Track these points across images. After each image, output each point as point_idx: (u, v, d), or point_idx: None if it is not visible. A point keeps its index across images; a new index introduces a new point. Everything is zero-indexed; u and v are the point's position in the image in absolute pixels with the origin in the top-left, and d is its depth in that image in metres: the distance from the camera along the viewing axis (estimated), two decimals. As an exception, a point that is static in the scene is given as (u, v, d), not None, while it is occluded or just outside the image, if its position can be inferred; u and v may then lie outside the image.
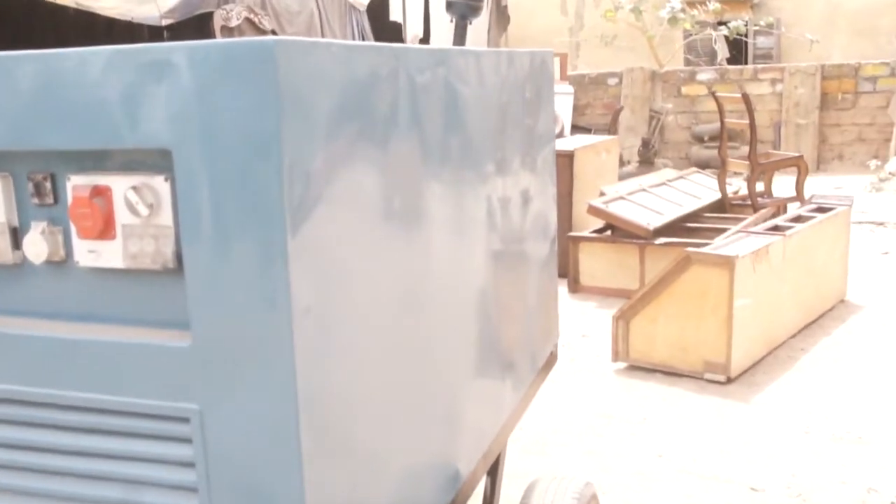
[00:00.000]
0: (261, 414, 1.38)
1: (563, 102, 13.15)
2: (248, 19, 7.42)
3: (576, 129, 13.27)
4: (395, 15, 10.39)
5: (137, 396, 1.43)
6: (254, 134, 1.29)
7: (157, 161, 1.38)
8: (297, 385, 1.34)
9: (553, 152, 3.17)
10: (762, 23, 14.80)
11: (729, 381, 4.68)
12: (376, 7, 10.10)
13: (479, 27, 12.29)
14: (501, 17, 13.40)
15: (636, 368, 4.99)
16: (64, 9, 5.84)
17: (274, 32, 7.87)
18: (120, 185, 1.41)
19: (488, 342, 2.47)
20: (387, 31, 10.09)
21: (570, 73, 13.81)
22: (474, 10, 2.66)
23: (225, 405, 1.40)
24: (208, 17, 6.99)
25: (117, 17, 6.17)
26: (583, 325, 5.95)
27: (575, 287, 6.75)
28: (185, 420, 1.41)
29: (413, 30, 10.58)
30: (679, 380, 4.78)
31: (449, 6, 2.67)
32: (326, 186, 1.39)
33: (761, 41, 16.51)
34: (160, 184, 1.39)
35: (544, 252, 3.09)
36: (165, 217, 1.40)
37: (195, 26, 6.87)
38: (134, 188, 1.39)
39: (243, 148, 1.30)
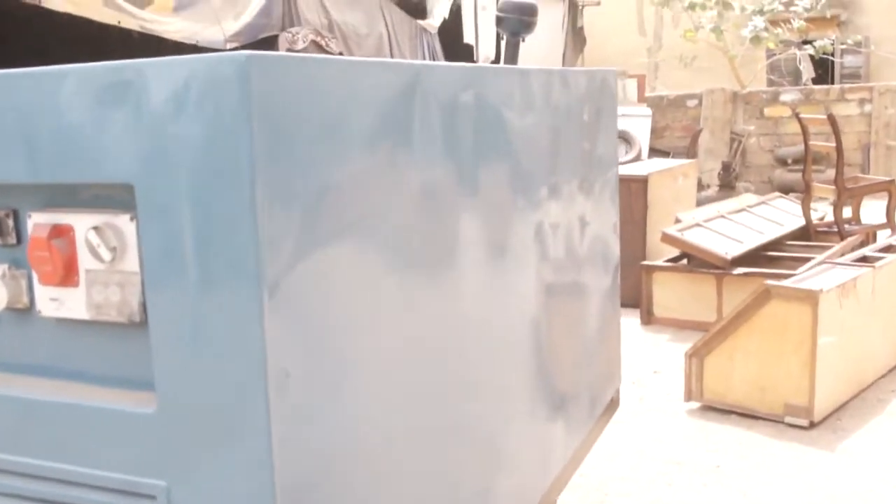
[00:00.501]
0: (234, 494, 1.17)
1: (640, 125, 12.83)
2: (314, 42, 7.33)
3: (654, 152, 12.90)
4: (467, 37, 10.23)
5: (100, 468, 1.24)
6: (224, 165, 1.09)
7: (122, 197, 1.19)
8: (275, 461, 1.13)
9: (616, 177, 2.92)
10: (849, 41, 14.23)
11: (812, 425, 4.32)
12: (449, 29, 9.96)
13: (554, 48, 12.08)
14: (577, 38, 13.15)
15: (710, 409, 4.65)
16: (129, 33, 5.80)
17: (341, 55, 7.78)
18: (83, 225, 1.22)
19: (537, 388, 2.24)
20: (459, 53, 9.93)
21: (647, 94, 13.47)
22: (527, 27, 2.44)
23: (195, 482, 1.19)
24: (274, 40, 6.92)
25: (182, 40, 6.13)
26: (655, 359, 5.63)
27: (648, 319, 6.42)
28: (152, 497, 1.22)
29: (485, 52, 10.41)
30: (757, 423, 4.44)
31: (499, 22, 2.46)
32: (315, 226, 1.19)
33: (849, 60, 15.90)
34: (125, 224, 1.20)
35: (604, 286, 2.84)
36: (131, 262, 1.21)
37: (261, 50, 6.81)
38: (95, 229, 1.20)
39: (213, 182, 1.10)
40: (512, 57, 2.45)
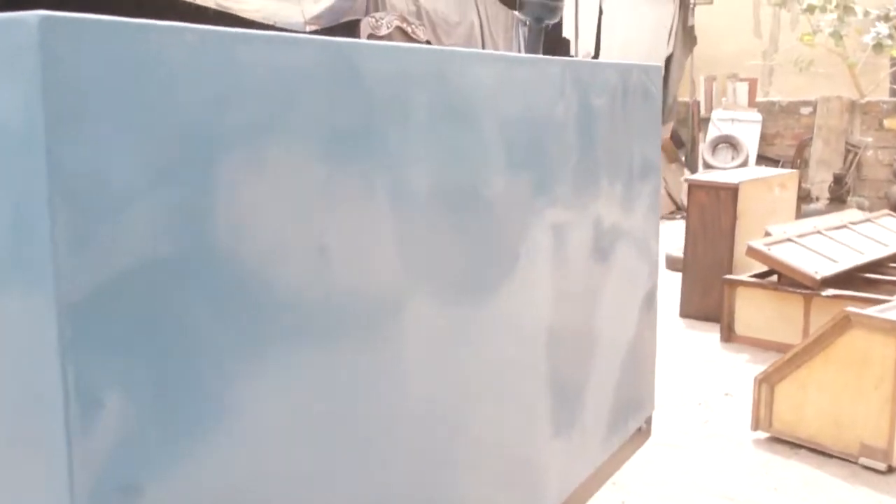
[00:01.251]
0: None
1: (749, 131, 12.28)
2: (399, 28, 7.16)
3: (762, 159, 12.32)
4: (566, 31, 9.91)
5: None
6: (15, 150, 0.89)
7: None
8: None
9: (657, 185, 2.63)
10: None
11: (890, 470, 3.92)
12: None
13: (657, 47, 11.62)
14: (688, 37, 12.64)
15: (779, 442, 4.29)
16: (204, 10, 5.74)
17: (429, 44, 7.59)
18: None
19: (524, 412, 2.00)
20: (557, 47, 9.63)
21: (759, 99, 12.85)
22: (552, 12, 2.19)
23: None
24: (355, 25, 6.78)
25: (260, 20, 6.04)
26: (729, 381, 5.26)
27: (728, 336, 6.04)
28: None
29: (585, 47, 10.07)
30: (828, 462, 4.06)
31: (521, 6, 2.21)
32: (141, 227, 0.97)
33: (983, 72, 14.82)
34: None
35: (633, 306, 2.56)
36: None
37: (341, 35, 6.67)
38: None
39: (4, 170, 0.90)
40: (534, 46, 2.20)
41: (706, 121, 12.57)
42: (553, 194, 2.00)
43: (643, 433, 2.66)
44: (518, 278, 1.88)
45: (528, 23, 2.22)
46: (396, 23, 7.06)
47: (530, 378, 2.01)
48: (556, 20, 2.21)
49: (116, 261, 0.94)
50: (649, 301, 2.65)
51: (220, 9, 5.69)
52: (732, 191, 6.43)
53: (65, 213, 0.88)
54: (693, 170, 12.17)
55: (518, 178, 1.86)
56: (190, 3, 5.50)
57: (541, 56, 1.94)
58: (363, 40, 1.47)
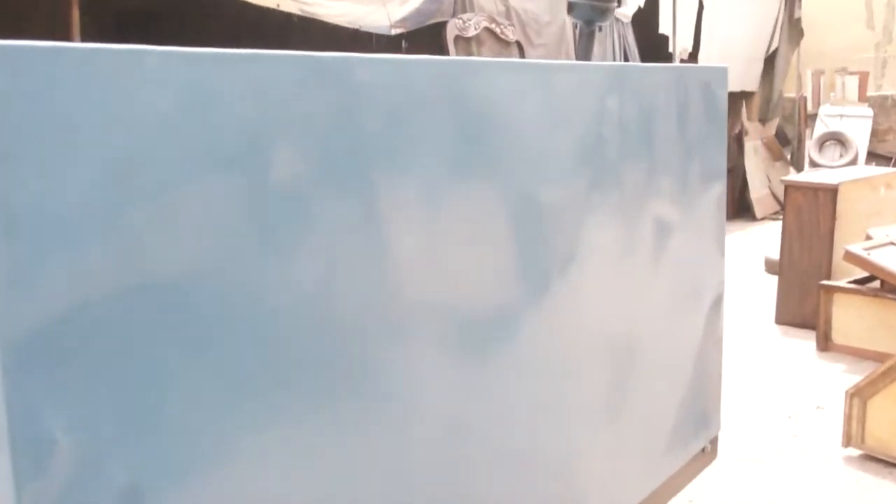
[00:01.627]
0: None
1: (859, 126, 11.77)
2: (488, 29, 7.10)
3: (873, 157, 11.80)
4: (663, 27, 9.67)
5: None
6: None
7: None
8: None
9: (723, 189, 2.49)
10: None
11: None
12: (643, 19, 9.44)
13: (759, 40, 11.24)
14: (794, 30, 12.18)
15: (871, 460, 4.06)
16: (288, 16, 5.81)
17: (519, 44, 7.51)
18: None
19: (571, 439, 1.91)
20: (653, 44, 9.40)
21: (870, 93, 12.30)
22: (602, 14, 2.09)
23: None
24: (442, 26, 6.74)
25: (345, 25, 6.06)
26: (822, 393, 5.02)
27: (825, 345, 5.77)
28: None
29: (683, 43, 9.80)
30: (924, 483, 3.82)
31: (571, 9, 2.12)
32: (93, 259, 0.94)
33: None
34: None
35: (696, 318, 2.44)
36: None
37: (428, 36, 6.66)
38: None
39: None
40: (586, 49, 2.11)
41: (813, 117, 12.11)
42: (604, 201, 1.92)
43: (708, 455, 2.54)
44: (568, 287, 1.81)
45: (577, 26, 2.12)
46: (485, 24, 7.00)
47: (578, 391, 1.94)
48: (606, 22, 2.12)
49: (66, 297, 0.91)
50: (715, 312, 2.53)
51: (304, 15, 5.74)
52: (831, 192, 6.14)
53: (4, 249, 0.85)
54: (798, 168, 11.74)
55: (566, 185, 1.79)
56: (276, 11, 5.56)
57: (584, 63, 1.85)
58: (358, 54, 1.42)
